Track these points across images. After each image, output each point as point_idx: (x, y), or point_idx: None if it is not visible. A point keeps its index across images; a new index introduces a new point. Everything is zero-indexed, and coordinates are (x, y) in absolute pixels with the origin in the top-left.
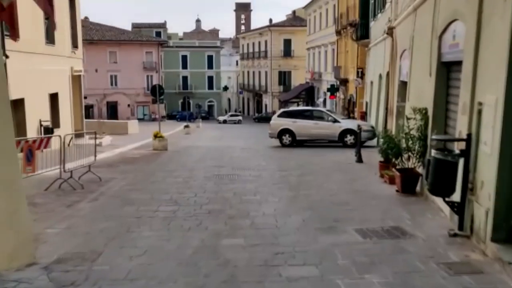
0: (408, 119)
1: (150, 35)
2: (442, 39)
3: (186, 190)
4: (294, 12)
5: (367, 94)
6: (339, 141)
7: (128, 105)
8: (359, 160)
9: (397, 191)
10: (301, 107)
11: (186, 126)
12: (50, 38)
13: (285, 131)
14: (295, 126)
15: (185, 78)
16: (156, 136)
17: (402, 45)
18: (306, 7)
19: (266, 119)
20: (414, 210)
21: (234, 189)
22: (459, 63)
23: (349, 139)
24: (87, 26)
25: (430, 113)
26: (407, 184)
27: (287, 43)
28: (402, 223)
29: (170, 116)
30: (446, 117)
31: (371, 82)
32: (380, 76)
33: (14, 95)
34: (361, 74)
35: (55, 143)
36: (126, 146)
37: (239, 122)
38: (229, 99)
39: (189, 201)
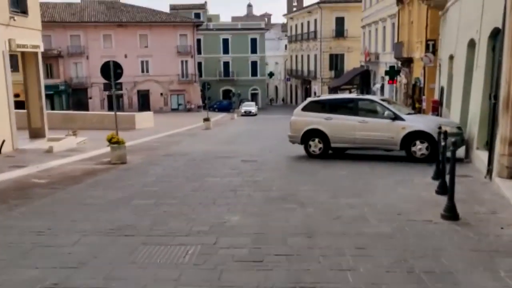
0: None
1: (187, 17)
2: None
3: None
4: None
5: (443, 76)
6: (402, 150)
7: (161, 94)
8: (450, 211)
9: None
10: (340, 95)
11: (206, 120)
12: None
13: (313, 134)
14: (329, 125)
15: (226, 64)
16: (110, 141)
17: None
18: None
19: None
20: None
21: None
22: None
23: (420, 148)
24: (117, 8)
25: None
26: None
27: (340, 21)
28: None
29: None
30: None
31: (450, 57)
32: (472, 42)
33: None
34: (432, 48)
35: None
36: (88, 153)
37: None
38: (276, 87)
39: None
